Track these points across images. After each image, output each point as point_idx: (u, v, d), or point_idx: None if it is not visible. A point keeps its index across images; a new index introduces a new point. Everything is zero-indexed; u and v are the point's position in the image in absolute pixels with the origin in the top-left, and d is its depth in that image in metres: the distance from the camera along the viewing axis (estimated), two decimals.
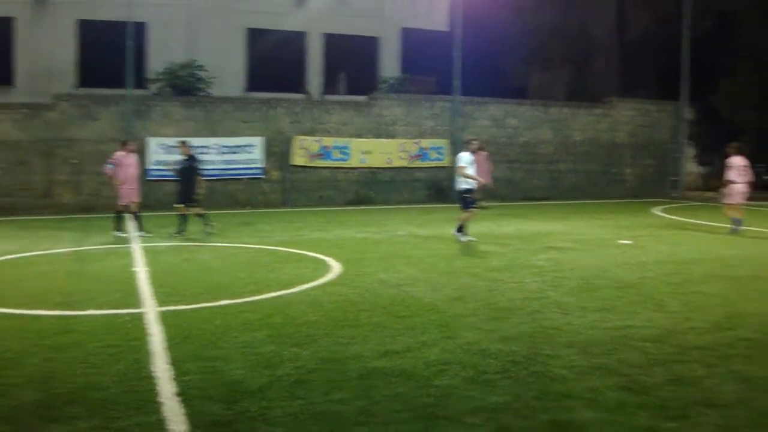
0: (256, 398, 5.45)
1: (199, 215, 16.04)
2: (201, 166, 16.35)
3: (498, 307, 8.68)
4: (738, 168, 16.67)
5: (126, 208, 15.90)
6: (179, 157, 16.53)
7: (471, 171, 14.87)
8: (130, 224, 16.08)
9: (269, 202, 24.45)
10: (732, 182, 16.57)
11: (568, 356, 6.54)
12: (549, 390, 5.63)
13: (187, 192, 15.91)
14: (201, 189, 16.04)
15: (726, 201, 16.81)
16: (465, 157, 14.97)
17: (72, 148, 22.26)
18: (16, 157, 21.87)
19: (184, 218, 15.82)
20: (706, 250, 13.78)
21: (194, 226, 16.01)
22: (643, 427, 4.87)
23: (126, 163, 15.85)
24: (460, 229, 14.88)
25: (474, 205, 15.07)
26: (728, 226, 16.49)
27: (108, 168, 16.07)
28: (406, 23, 30.80)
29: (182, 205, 15.95)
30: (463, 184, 14.96)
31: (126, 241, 14.95)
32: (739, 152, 16.86)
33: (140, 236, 15.41)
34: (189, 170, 15.97)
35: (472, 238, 14.87)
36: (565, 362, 6.36)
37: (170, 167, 17.11)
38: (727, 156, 16.95)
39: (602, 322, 7.86)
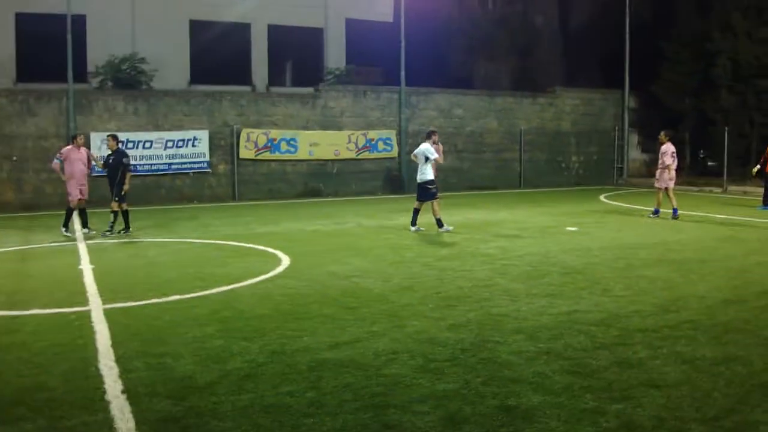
0: (206, 393, 5.41)
1: (114, 212, 15.23)
2: (128, 161, 15.45)
3: (447, 295, 8.75)
4: (669, 154, 17.17)
5: (77, 205, 15.43)
6: (108, 152, 15.87)
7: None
8: (76, 221, 15.67)
9: (217, 196, 24.22)
10: (667, 167, 17.07)
11: (516, 342, 6.63)
12: (497, 376, 5.70)
13: (114, 188, 15.16)
14: (126, 185, 15.15)
15: (657, 185, 17.34)
16: (430, 149, 14.99)
17: (12, 144, 21.70)
18: None
19: (115, 215, 15.26)
20: (650, 235, 14.08)
21: (138, 222, 15.75)
22: (589, 409, 4.97)
23: (74, 158, 15.41)
24: (440, 223, 14.83)
25: (437, 195, 15.09)
26: (668, 211, 16.93)
27: (55, 163, 15.68)
28: (350, 14, 30.70)
29: (114, 202, 15.26)
30: (428, 175, 14.96)
31: (71, 239, 14.64)
32: (670, 139, 17.40)
33: (85, 233, 15.10)
34: (115, 165, 15.20)
35: (421, 228, 14.94)
36: (513, 348, 6.45)
37: (98, 162, 16.47)
38: (661, 143, 17.43)
39: (549, 308, 7.98)
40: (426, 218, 15.22)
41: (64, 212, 15.54)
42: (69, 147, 15.62)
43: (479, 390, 5.38)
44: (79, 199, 15.36)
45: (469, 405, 5.08)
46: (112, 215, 15.24)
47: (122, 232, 15.21)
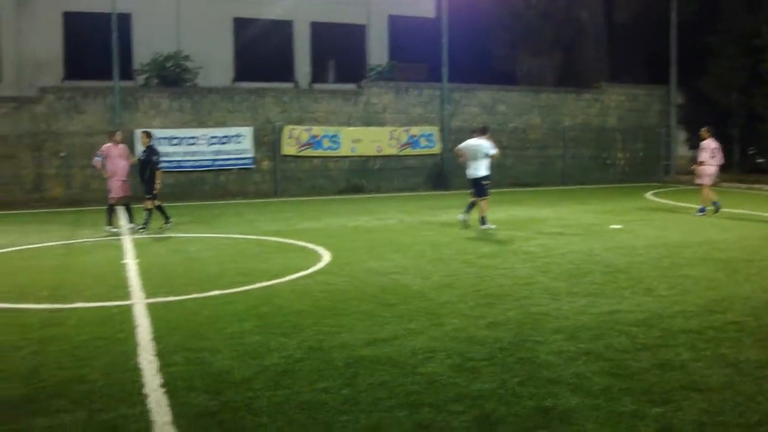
0: (242, 388, 5.43)
1: (148, 209, 15.28)
2: (159, 159, 15.40)
3: (487, 293, 8.68)
4: (710, 150, 16.88)
5: (118, 201, 15.65)
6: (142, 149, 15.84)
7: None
8: (122, 217, 15.87)
9: (260, 192, 24.40)
10: (703, 163, 16.81)
11: (556, 342, 6.54)
12: (535, 376, 5.63)
13: (145, 184, 15.23)
14: (157, 182, 15.17)
15: (698, 182, 17.06)
16: (489, 144, 14.90)
17: (60, 141, 22.15)
18: (4, 152, 21.75)
19: (149, 212, 15.28)
20: (696, 234, 13.80)
21: (181, 217, 15.90)
22: (627, 412, 4.87)
23: (114, 155, 15.62)
24: (483, 221, 14.73)
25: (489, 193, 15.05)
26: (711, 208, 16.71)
27: (96, 160, 15.91)
28: (392, 10, 30.66)
29: (147, 200, 15.31)
30: (482, 170, 14.86)
31: (117, 234, 14.87)
32: (711, 135, 17.14)
33: (131, 229, 15.31)
34: (146, 162, 15.26)
35: (491, 225, 14.80)
36: (552, 348, 6.36)
37: (132, 158, 16.34)
38: (702, 139, 17.16)
39: (591, 307, 7.86)
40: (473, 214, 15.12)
41: (104, 208, 15.81)
42: (108, 144, 15.79)
43: (516, 390, 5.32)
44: (123, 195, 15.56)
45: (504, 405, 5.02)
46: (145, 213, 15.29)
47: (165, 224, 15.25)
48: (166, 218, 15.40)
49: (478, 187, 14.93)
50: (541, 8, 32.41)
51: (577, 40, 33.34)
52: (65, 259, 12.22)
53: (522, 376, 5.63)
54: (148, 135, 15.65)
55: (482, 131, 15.42)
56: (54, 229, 16.01)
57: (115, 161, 15.51)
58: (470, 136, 15.43)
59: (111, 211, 15.53)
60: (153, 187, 15.14)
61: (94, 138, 21.75)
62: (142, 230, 15.06)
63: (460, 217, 15.01)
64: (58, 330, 7.25)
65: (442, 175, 26.59)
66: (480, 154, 14.79)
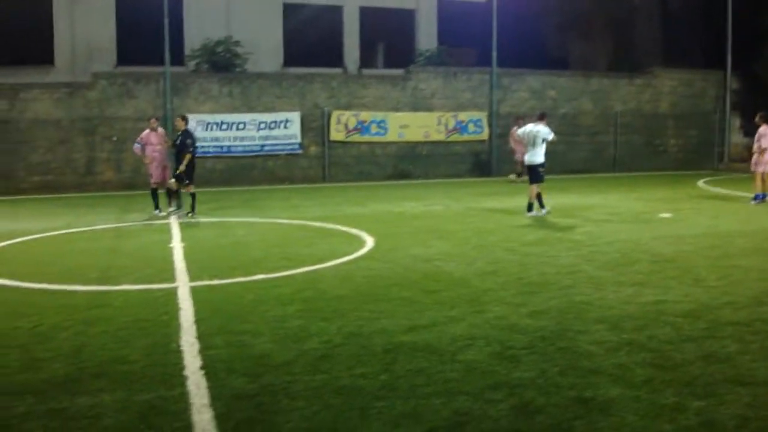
0: (281, 372, 5.46)
1: (192, 193, 15.34)
2: (192, 143, 15.28)
3: (530, 281, 8.58)
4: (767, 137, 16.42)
5: (159, 185, 15.86)
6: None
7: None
8: (172, 201, 16.00)
9: (308, 177, 24.52)
10: (766, 150, 16.34)
11: (598, 332, 6.43)
12: (575, 366, 5.54)
13: (176, 168, 15.25)
14: (183, 166, 15.04)
15: (758, 169, 16.53)
16: (545, 130, 14.75)
17: (112, 125, 22.52)
18: (58, 136, 22.21)
19: (192, 196, 15.33)
20: (749, 223, 13.47)
21: (230, 202, 16.01)
22: (669, 405, 4.76)
23: (153, 141, 15.82)
24: (530, 207, 14.63)
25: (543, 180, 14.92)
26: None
27: (136, 147, 16.17)
28: None
29: (184, 183, 15.35)
30: (540, 156, 14.69)
31: (164, 218, 15.09)
32: (766, 121, 16.59)
33: (172, 212, 15.51)
34: (181, 146, 15.21)
35: (547, 209, 14.71)
36: (595, 338, 6.25)
37: (168, 142, 16.20)
38: (758, 125, 16.67)
39: (636, 297, 7.71)
40: (515, 202, 14.95)
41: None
42: (147, 131, 15.98)
43: (555, 380, 5.24)
44: (164, 180, 15.73)
45: (543, 395, 4.95)
46: (189, 197, 15.38)
47: (172, 211, 15.33)
48: (178, 206, 15.46)
49: (534, 173, 14.77)
50: None
51: (630, 24, 32.71)
52: (115, 241, 12.46)
53: (562, 365, 5.55)
54: (184, 118, 15.69)
55: (540, 117, 15.25)
56: (105, 212, 16.34)
57: (153, 147, 15.73)
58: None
59: (155, 196, 15.76)
60: (190, 171, 15.19)
61: (145, 123, 21.98)
62: (191, 215, 15.21)
63: (542, 212, 14.67)
64: (104, 311, 7.38)
65: (489, 161, 26.39)
66: (539, 139, 14.63)
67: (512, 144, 23.22)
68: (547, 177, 15.06)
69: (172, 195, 15.75)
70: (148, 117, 17.31)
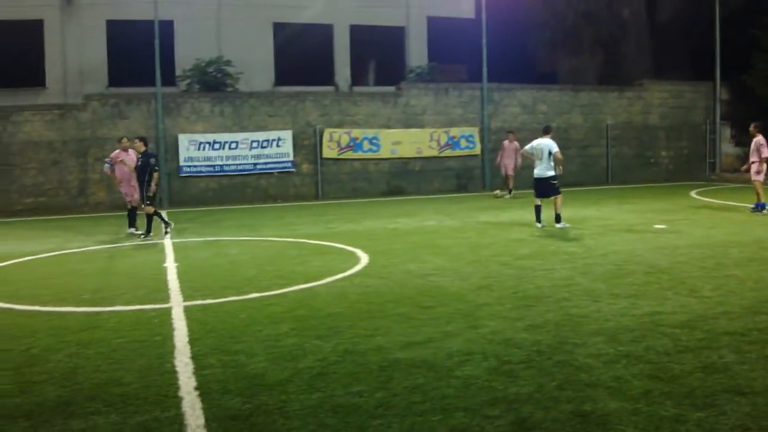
0: (276, 392, 5.41)
1: (149, 215, 15.00)
2: (155, 163, 15.08)
3: (525, 295, 8.55)
4: (766, 146, 16.51)
5: (133, 204, 15.76)
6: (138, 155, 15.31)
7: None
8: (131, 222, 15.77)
9: (301, 195, 24.51)
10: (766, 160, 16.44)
11: (595, 344, 6.40)
12: (573, 379, 5.50)
13: (141, 191, 14.98)
14: (153, 186, 14.78)
15: (760, 178, 16.58)
16: (551, 143, 14.83)
17: (104, 147, 22.43)
18: (50, 158, 22.19)
19: (149, 217, 15.03)
20: (743, 233, 13.47)
21: (223, 221, 15.99)
22: (668, 417, 4.73)
23: (123, 161, 15.72)
24: (558, 218, 14.74)
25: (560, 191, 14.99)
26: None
27: (106, 167, 16.12)
28: (431, 12, 30.60)
29: (146, 204, 14.98)
30: (551, 170, 14.80)
31: (156, 237, 15.02)
32: (760, 131, 16.76)
33: (130, 233, 15.50)
34: (143, 167, 14.92)
35: (567, 224, 14.81)
36: (592, 351, 6.22)
37: (133, 165, 15.67)
38: (752, 135, 16.73)
39: (632, 309, 7.68)
40: (509, 216, 14.94)
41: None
42: (117, 151, 15.88)
43: (553, 394, 5.20)
44: (134, 199, 15.62)
45: (541, 410, 4.91)
46: (146, 218, 15.13)
47: (142, 236, 14.98)
48: (148, 230, 15.06)
49: (550, 187, 14.85)
50: (582, 6, 32.06)
51: (619, 38, 32.91)
52: (108, 262, 12.40)
53: (560, 379, 5.51)
54: (143, 140, 15.36)
55: (545, 130, 15.34)
56: (98, 233, 16.25)
57: (123, 167, 15.60)
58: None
59: (131, 215, 15.72)
60: (149, 191, 14.85)
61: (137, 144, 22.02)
62: (145, 237, 14.91)
63: (538, 226, 14.80)
64: (97, 333, 7.31)
65: (482, 176, 26.42)
66: (546, 153, 14.71)
67: (501, 159, 23.11)
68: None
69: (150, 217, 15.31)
70: (119, 137, 17.08)
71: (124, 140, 16.12)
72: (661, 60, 32.05)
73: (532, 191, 15.39)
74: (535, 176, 15.08)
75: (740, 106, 29.80)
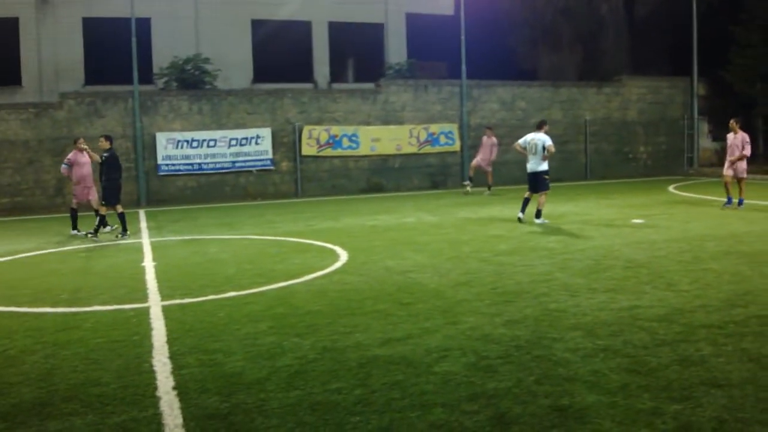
0: (254, 390, 5.39)
1: (100, 215, 15.09)
2: (118, 163, 15.06)
3: (504, 291, 8.57)
4: (748, 142, 16.64)
5: (79, 206, 15.68)
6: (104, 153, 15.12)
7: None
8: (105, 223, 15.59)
9: (280, 192, 24.43)
10: (745, 156, 16.55)
11: (573, 339, 6.43)
12: (551, 374, 5.53)
13: (102, 189, 14.92)
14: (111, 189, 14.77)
15: (742, 176, 16.66)
16: (545, 137, 14.88)
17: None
18: (26, 157, 21.95)
19: (101, 218, 15.06)
20: (719, 227, 13.58)
21: (202, 220, 15.90)
22: (646, 410, 4.76)
23: (81, 162, 15.62)
24: (539, 214, 14.82)
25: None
26: (742, 200, 16.48)
27: (63, 168, 16.01)
28: (410, 8, 30.64)
29: (111, 205, 14.94)
30: (544, 164, 14.89)
31: (83, 237, 14.96)
32: (742, 127, 16.91)
33: (74, 234, 15.45)
34: (105, 166, 14.80)
35: (546, 220, 14.90)
36: (570, 345, 6.25)
37: (94, 158, 15.59)
38: (734, 130, 16.78)
39: (610, 303, 7.73)
40: (488, 212, 14.97)
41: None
42: (74, 152, 15.79)
43: (531, 389, 5.22)
44: (87, 200, 15.58)
45: (520, 404, 4.93)
46: (97, 218, 15.09)
47: (120, 235, 14.88)
48: (124, 229, 15.00)
49: (540, 181, 14.95)
50: (561, 3, 32.20)
51: (598, 34, 33.09)
52: (86, 262, 12.29)
53: (538, 374, 5.54)
54: (108, 138, 15.27)
55: (539, 125, 15.39)
56: (76, 233, 16.08)
57: (82, 168, 15.59)
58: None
59: (74, 216, 15.69)
60: (116, 192, 14.86)
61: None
62: (90, 235, 14.82)
63: (545, 221, 14.83)
64: (74, 333, 7.25)
65: (461, 172, 26.45)
66: (540, 147, 14.78)
67: (478, 155, 23.09)
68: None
69: (102, 217, 15.33)
70: (75, 138, 16.91)
71: (81, 141, 16.08)
72: (639, 56, 32.27)
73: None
74: (528, 171, 15.16)
75: (718, 101, 30.07)
